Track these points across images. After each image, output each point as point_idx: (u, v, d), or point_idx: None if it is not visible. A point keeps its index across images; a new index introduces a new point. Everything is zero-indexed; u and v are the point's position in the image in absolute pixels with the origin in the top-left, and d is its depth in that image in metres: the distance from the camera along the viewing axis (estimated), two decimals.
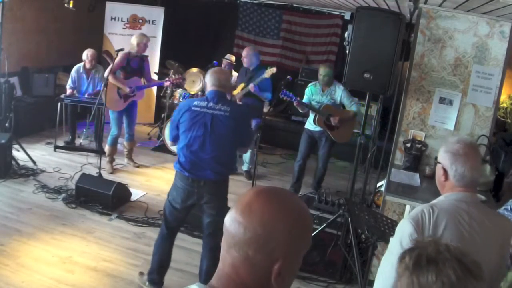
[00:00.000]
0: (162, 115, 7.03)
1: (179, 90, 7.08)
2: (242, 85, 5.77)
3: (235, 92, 5.82)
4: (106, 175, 5.44)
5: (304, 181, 5.72)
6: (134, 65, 5.58)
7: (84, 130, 6.73)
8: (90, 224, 4.45)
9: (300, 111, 5.56)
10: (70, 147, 6.39)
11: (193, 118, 3.17)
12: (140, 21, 7.71)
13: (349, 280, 3.92)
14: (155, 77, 6.95)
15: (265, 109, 5.84)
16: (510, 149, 4.92)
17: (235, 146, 3.34)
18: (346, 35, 4.01)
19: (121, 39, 7.41)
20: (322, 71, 5.29)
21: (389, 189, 3.36)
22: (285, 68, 8.18)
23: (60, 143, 6.36)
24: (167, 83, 6.04)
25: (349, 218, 3.75)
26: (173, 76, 6.33)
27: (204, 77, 7.09)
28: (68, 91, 6.29)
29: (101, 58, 7.10)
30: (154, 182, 5.66)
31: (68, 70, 6.67)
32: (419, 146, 3.85)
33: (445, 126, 3.85)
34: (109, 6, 7.57)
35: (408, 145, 3.87)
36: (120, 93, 5.53)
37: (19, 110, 6.14)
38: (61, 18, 7.39)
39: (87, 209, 4.68)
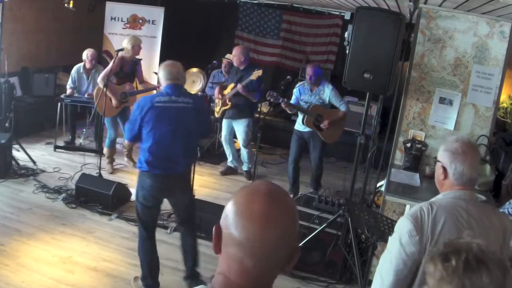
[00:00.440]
0: None
1: None
2: (231, 85, 5.75)
3: (225, 92, 5.82)
4: (106, 175, 5.44)
5: (304, 181, 5.72)
6: (128, 70, 5.57)
7: (84, 130, 6.73)
8: (90, 224, 4.45)
9: (289, 112, 5.46)
10: (70, 147, 6.39)
11: (157, 114, 3.17)
12: (140, 21, 7.70)
13: (349, 280, 3.91)
14: (154, 77, 6.94)
15: (265, 109, 5.84)
16: (510, 149, 4.92)
17: (198, 136, 3.50)
18: (346, 35, 4.00)
19: (121, 39, 7.34)
20: (310, 70, 5.23)
21: (389, 189, 3.36)
22: (285, 68, 8.18)
23: (60, 143, 6.36)
24: (159, 88, 5.99)
25: (349, 218, 3.75)
26: None
27: (203, 77, 7.14)
28: (68, 91, 6.29)
29: (101, 58, 7.10)
30: None
31: (68, 70, 6.67)
32: (419, 146, 3.85)
33: (445, 126, 3.85)
34: (109, 6, 7.56)
35: (408, 145, 3.87)
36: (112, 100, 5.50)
37: (19, 110, 6.14)
38: (61, 18, 7.39)
39: (87, 209, 4.68)
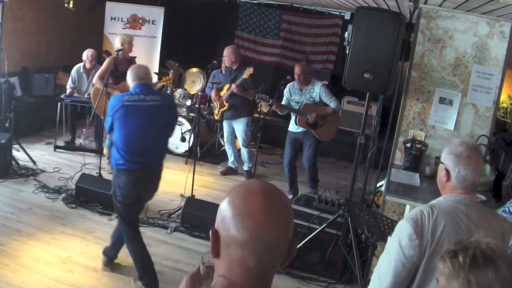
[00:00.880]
0: None
1: (179, 90, 7.07)
2: (227, 86, 5.74)
3: (221, 93, 5.81)
4: (106, 175, 5.43)
5: (304, 181, 5.71)
6: (123, 69, 5.53)
7: (84, 130, 6.73)
8: (90, 224, 4.45)
9: (280, 113, 5.40)
10: (70, 147, 6.38)
11: (127, 113, 3.26)
12: (140, 21, 7.71)
13: (349, 280, 3.92)
14: (154, 77, 6.92)
15: (265, 109, 5.83)
16: (510, 149, 4.92)
17: (168, 133, 3.61)
18: (346, 35, 3.99)
19: None
20: (298, 70, 5.21)
21: (389, 189, 3.36)
22: (285, 68, 8.17)
23: (60, 143, 6.36)
24: (158, 86, 5.94)
25: (349, 218, 3.75)
26: (160, 80, 6.14)
27: (203, 77, 7.14)
28: (68, 91, 6.28)
29: (101, 58, 7.09)
30: None
31: (68, 70, 6.67)
32: (419, 146, 3.85)
33: (445, 126, 3.85)
34: (109, 6, 7.56)
35: (408, 145, 3.87)
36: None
37: (19, 110, 6.14)
38: (61, 18, 7.38)
39: (87, 209, 4.68)
